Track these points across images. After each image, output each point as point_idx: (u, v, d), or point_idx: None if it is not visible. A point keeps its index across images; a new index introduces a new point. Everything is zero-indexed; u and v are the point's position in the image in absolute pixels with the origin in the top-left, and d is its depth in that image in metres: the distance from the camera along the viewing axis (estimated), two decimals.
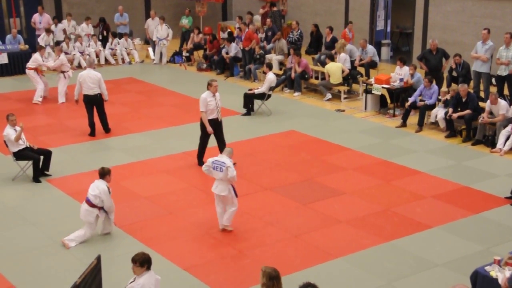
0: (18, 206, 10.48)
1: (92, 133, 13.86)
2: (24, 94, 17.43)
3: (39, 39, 20.06)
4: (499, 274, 6.97)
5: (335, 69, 16.57)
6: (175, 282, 8.11)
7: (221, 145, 11.92)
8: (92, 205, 9.06)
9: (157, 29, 21.03)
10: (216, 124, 11.84)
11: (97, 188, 9.09)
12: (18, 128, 11.35)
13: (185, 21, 22.53)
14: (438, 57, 15.74)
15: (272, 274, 5.77)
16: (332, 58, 16.85)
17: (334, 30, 19.35)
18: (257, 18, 22.92)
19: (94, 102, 13.72)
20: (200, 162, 12.01)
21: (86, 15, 22.34)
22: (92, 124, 13.85)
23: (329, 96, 16.74)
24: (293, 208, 10.30)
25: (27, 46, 20.04)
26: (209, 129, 11.69)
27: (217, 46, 20.31)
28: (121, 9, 22.07)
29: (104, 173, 9.23)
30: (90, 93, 13.65)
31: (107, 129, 14.04)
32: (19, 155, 11.31)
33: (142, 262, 6.38)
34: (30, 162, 11.40)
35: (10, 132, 11.18)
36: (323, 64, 17.44)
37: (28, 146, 11.44)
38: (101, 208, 9.15)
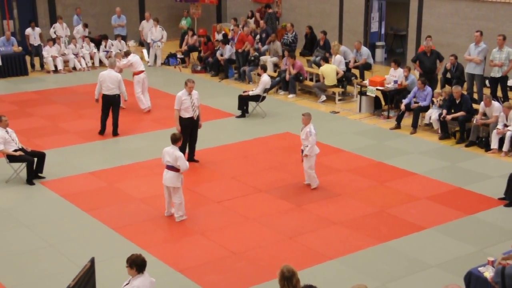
0: (11, 208, 10.44)
1: (102, 132, 13.99)
2: (18, 96, 17.39)
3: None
4: None
5: (330, 71, 16.60)
6: (170, 284, 8.09)
7: (192, 143, 12.28)
8: (176, 170, 9.56)
9: (151, 31, 21.02)
10: (192, 123, 12.06)
11: (173, 154, 9.57)
12: (9, 130, 11.33)
13: (184, 23, 22.56)
14: (432, 59, 15.78)
15: (285, 275, 5.87)
16: (326, 60, 16.87)
17: (329, 32, 19.38)
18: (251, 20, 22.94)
19: (112, 103, 13.85)
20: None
21: (80, 17, 22.27)
22: (104, 123, 13.98)
23: (323, 98, 16.76)
24: (288, 210, 10.30)
25: (20, 48, 19.99)
26: (178, 127, 11.95)
27: (211, 48, 20.31)
28: (119, 10, 22.02)
29: (176, 139, 9.75)
30: (109, 93, 13.78)
31: (115, 132, 14.01)
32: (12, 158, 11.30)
33: (137, 264, 6.36)
34: (24, 164, 11.37)
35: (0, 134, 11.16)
36: (318, 65, 17.48)
37: (21, 148, 11.41)
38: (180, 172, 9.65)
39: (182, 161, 9.58)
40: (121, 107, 14.59)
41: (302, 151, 10.93)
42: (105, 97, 13.87)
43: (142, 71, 15.86)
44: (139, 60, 15.99)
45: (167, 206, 10.01)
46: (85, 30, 21.54)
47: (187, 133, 12.07)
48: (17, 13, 22.81)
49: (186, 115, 11.96)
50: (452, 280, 8.00)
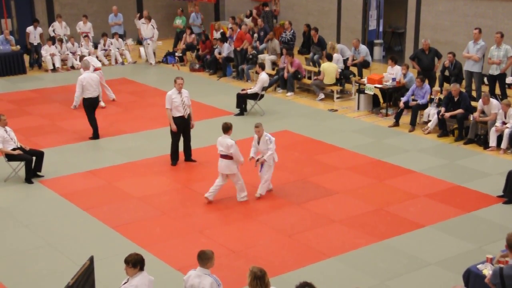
0: (10, 207, 10.43)
1: (97, 136, 13.69)
2: (16, 95, 17.37)
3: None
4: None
5: (332, 69, 16.54)
6: (169, 282, 8.09)
7: (187, 143, 12.24)
8: (230, 157, 9.98)
9: (142, 28, 21.01)
10: (183, 122, 11.98)
11: (224, 143, 10.00)
12: (8, 129, 11.32)
13: (179, 21, 22.52)
14: (431, 56, 15.77)
15: (257, 274, 5.78)
16: (330, 58, 16.73)
17: (327, 30, 19.35)
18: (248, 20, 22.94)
19: (96, 104, 13.75)
20: (174, 162, 12.15)
21: (78, 16, 22.25)
22: (96, 126, 13.71)
23: (322, 96, 16.75)
24: (286, 208, 10.30)
25: (18, 47, 19.98)
26: (173, 126, 11.90)
27: (209, 46, 20.30)
28: (116, 9, 22.03)
29: (227, 128, 10.17)
30: (93, 96, 13.62)
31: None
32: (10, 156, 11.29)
33: (135, 263, 6.36)
34: (23, 163, 11.36)
35: None
36: (318, 63, 17.45)
37: (20, 146, 11.40)
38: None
39: (234, 149, 9.93)
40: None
41: (258, 160, 10.55)
42: (89, 100, 13.52)
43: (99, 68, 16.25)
44: (94, 59, 16.76)
45: (212, 189, 10.33)
46: (86, 24, 21.50)
47: (179, 132, 12.03)
48: (15, 12, 22.77)
49: (177, 114, 11.88)
50: (451, 278, 8.02)
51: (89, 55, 20.55)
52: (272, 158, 10.51)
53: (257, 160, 10.56)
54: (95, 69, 15.79)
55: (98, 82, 13.79)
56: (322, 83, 16.72)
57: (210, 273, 6.46)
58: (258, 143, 10.57)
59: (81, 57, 17.28)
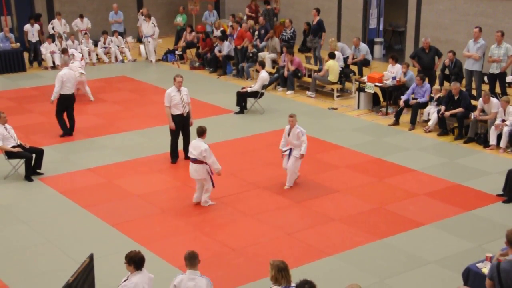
0: (10, 205, 10.43)
1: (69, 132, 13.64)
2: (16, 92, 17.36)
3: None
4: None
5: (337, 68, 16.51)
6: (168, 280, 8.06)
7: (186, 140, 12.21)
8: (199, 162, 9.84)
9: (143, 26, 21.02)
10: (182, 120, 12.02)
11: (198, 147, 9.83)
12: (8, 126, 11.32)
13: (180, 19, 22.51)
14: (431, 55, 15.77)
15: (281, 266, 5.98)
16: (333, 56, 16.69)
17: (327, 28, 19.33)
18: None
19: (72, 101, 13.69)
20: (174, 160, 12.21)
21: (78, 13, 22.25)
22: (65, 124, 13.65)
23: (313, 95, 16.72)
24: (286, 206, 10.31)
25: (18, 44, 19.96)
26: (171, 124, 11.95)
27: (210, 44, 20.29)
28: (116, 7, 22.01)
29: (202, 132, 10.02)
30: (69, 93, 13.58)
31: (72, 131, 13.77)
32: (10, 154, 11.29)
33: (129, 260, 6.38)
34: (22, 161, 11.36)
35: None
36: (318, 59, 17.42)
37: (19, 144, 11.40)
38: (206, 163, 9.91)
39: (207, 153, 9.79)
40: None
41: (290, 150, 10.76)
42: (65, 97, 13.44)
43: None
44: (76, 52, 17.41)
45: (196, 194, 10.29)
46: (83, 22, 21.49)
47: (178, 130, 12.05)
48: (15, 9, 22.74)
49: (176, 112, 11.90)
50: (450, 276, 8.04)
51: (89, 53, 20.65)
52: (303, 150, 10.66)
53: (284, 151, 10.80)
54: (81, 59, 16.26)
55: (75, 79, 13.85)
56: (327, 80, 16.61)
57: (200, 274, 6.44)
58: (289, 134, 10.69)
59: (63, 50, 17.61)
